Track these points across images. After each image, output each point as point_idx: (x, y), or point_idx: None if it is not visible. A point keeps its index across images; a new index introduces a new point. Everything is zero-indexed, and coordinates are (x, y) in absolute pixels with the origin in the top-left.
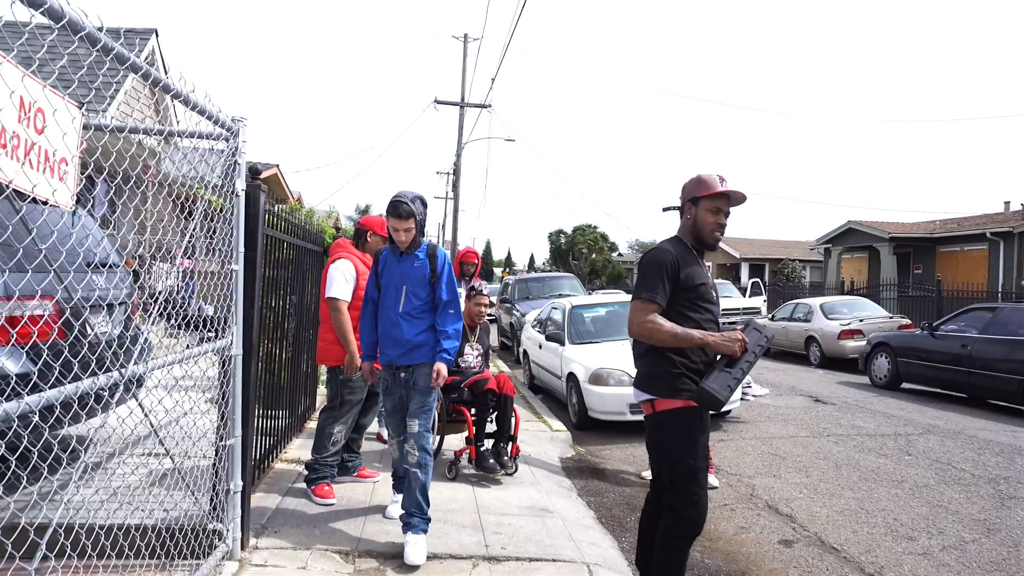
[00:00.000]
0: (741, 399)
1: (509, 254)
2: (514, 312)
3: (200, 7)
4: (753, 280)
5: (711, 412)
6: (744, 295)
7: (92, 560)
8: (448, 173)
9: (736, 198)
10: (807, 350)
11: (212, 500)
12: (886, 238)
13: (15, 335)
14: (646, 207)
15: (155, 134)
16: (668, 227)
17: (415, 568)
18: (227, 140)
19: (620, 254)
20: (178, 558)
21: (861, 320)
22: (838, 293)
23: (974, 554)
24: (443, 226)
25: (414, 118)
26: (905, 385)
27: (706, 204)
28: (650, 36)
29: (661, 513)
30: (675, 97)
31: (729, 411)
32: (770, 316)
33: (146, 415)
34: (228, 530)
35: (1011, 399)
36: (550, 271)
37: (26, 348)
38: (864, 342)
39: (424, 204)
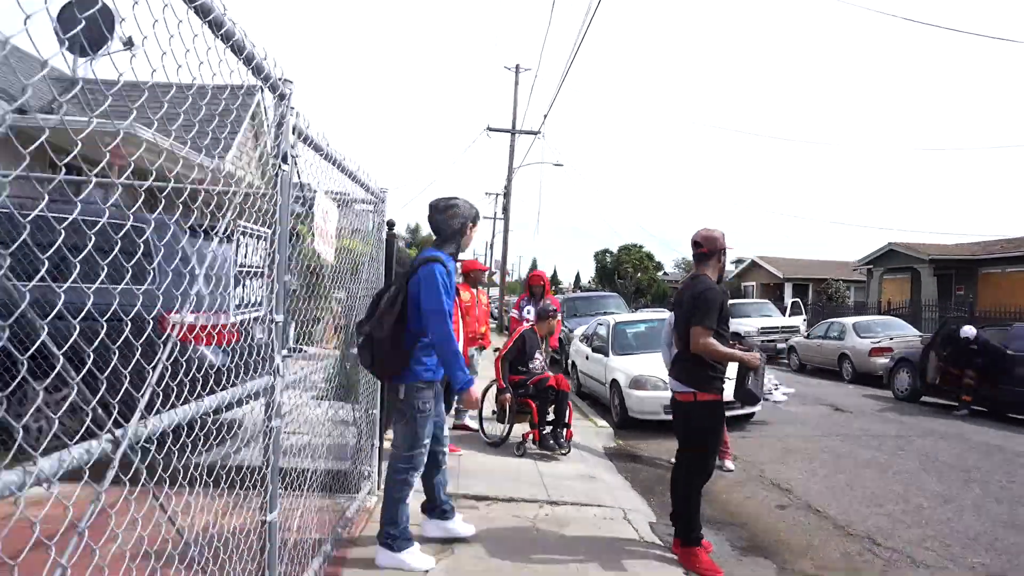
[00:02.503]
0: (764, 401)
1: (555, 273)
2: (563, 328)
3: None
4: (793, 300)
5: (736, 414)
6: (784, 314)
7: (289, 491)
8: (497, 195)
9: None
10: (840, 366)
11: (359, 453)
12: (926, 260)
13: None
14: (691, 227)
15: (343, 200)
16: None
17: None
18: (375, 205)
19: (665, 273)
20: (341, 493)
21: (891, 339)
22: (876, 313)
23: (926, 515)
24: (491, 245)
25: (466, 145)
26: (925, 399)
27: (723, 256)
28: (699, 69)
29: (684, 470)
30: (725, 131)
31: (753, 414)
32: (806, 335)
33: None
34: (371, 471)
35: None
36: (596, 290)
37: (223, 348)
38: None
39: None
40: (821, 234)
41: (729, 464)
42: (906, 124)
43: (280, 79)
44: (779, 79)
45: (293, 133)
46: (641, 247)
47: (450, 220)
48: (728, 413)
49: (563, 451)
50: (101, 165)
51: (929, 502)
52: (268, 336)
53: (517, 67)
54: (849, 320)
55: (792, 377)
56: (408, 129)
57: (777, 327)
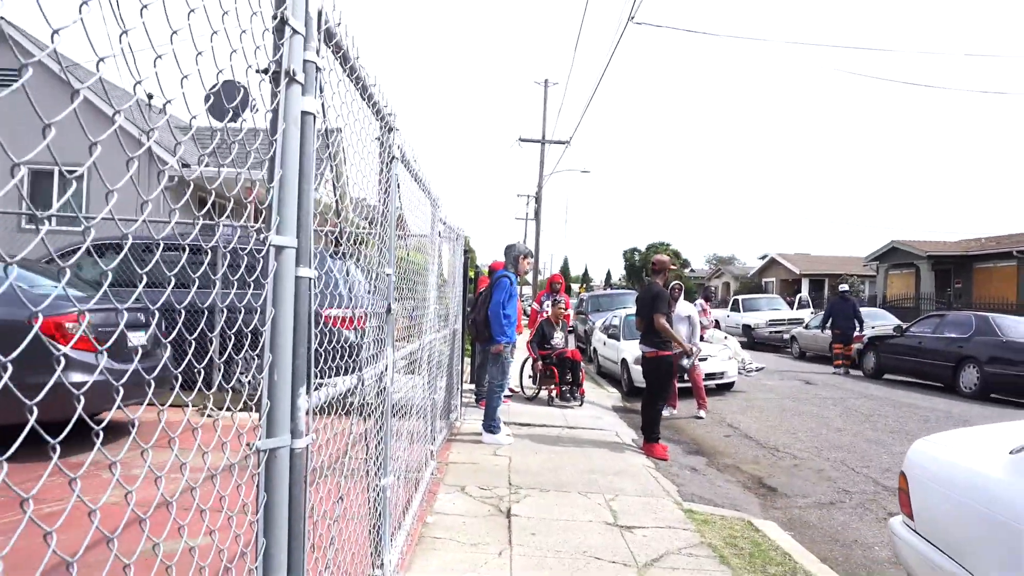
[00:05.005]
0: (739, 374)
1: (586, 270)
2: (588, 321)
3: None
4: (800, 295)
5: (720, 383)
6: (792, 308)
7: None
8: (529, 196)
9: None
10: (831, 352)
11: (451, 398)
12: (924, 256)
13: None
14: (719, 224)
15: (437, 238)
16: (744, 246)
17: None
18: (457, 239)
19: (692, 270)
20: (441, 419)
21: (873, 327)
22: (879, 307)
23: (819, 437)
24: (524, 243)
25: (499, 155)
26: (887, 376)
27: (667, 272)
28: (721, 74)
29: (647, 397)
30: (746, 137)
31: (732, 383)
32: (804, 325)
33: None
34: (456, 404)
35: (945, 380)
36: (625, 287)
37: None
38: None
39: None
40: (840, 231)
41: (702, 413)
42: (919, 123)
43: (391, 113)
44: (797, 90)
45: (400, 162)
46: (668, 244)
47: (509, 254)
48: (711, 383)
49: (577, 403)
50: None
51: (827, 431)
52: (384, 320)
53: (546, 82)
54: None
55: (791, 363)
56: (443, 138)
57: (784, 319)
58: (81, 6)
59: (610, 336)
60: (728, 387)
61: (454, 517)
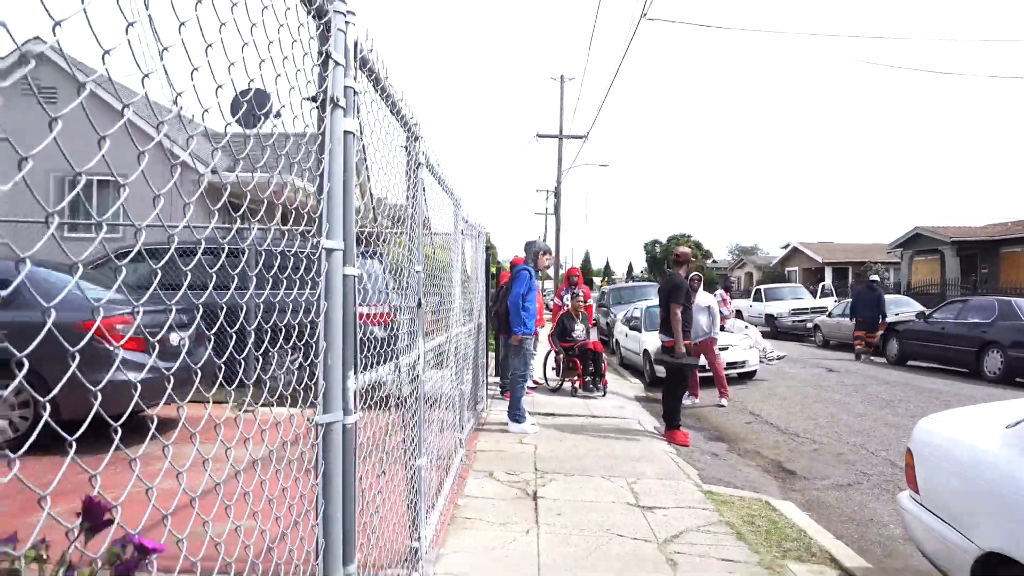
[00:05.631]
0: (760, 362)
1: (608, 263)
2: (610, 313)
3: None
4: (823, 283)
5: (741, 372)
6: (815, 296)
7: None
8: (548, 191)
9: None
10: (854, 340)
11: (477, 390)
12: (948, 242)
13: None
14: (741, 214)
15: (460, 236)
16: (764, 238)
17: (530, 433)
18: (478, 236)
19: (715, 261)
20: (468, 409)
21: (897, 314)
22: (903, 294)
23: (839, 422)
24: (544, 240)
25: (518, 150)
26: (910, 362)
27: (689, 264)
28: (740, 64)
29: (667, 386)
30: (766, 127)
31: (754, 372)
32: (827, 313)
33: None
34: (483, 396)
35: (969, 365)
36: (647, 279)
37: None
38: None
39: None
40: (863, 219)
41: (724, 401)
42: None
43: (416, 123)
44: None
45: (425, 167)
46: (690, 236)
47: (529, 250)
48: (732, 372)
49: (600, 393)
50: (266, 205)
51: (847, 417)
52: (415, 315)
53: (562, 77)
54: None
55: (814, 351)
56: (461, 134)
57: (807, 308)
58: (163, 52)
59: (632, 328)
60: (750, 376)
61: (483, 500)
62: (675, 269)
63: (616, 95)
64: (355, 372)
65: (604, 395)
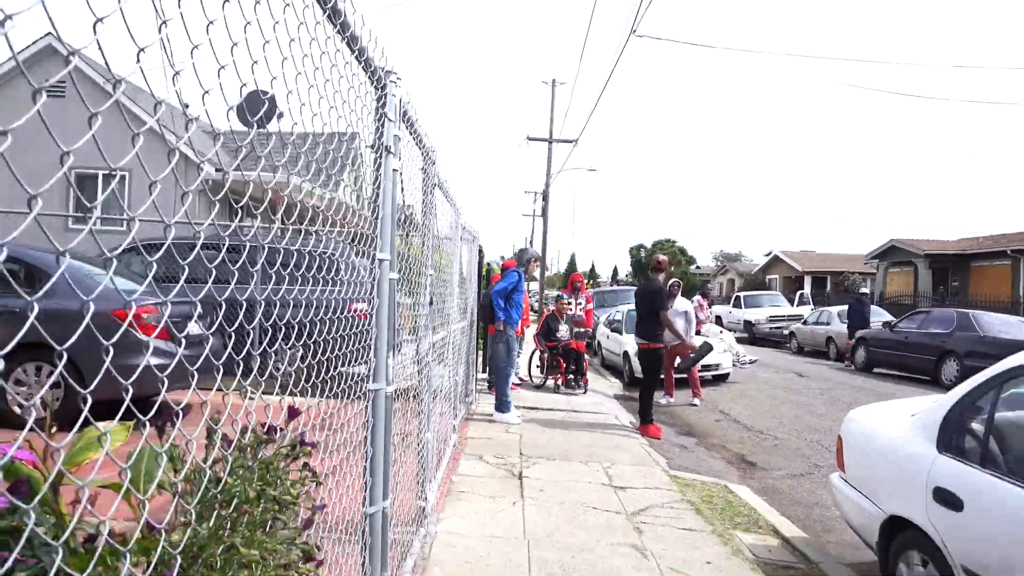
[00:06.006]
0: (733, 366)
1: (593, 267)
2: (593, 315)
3: None
4: (800, 292)
5: (715, 375)
6: (793, 304)
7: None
8: (536, 193)
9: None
10: (827, 347)
11: (467, 383)
12: (921, 255)
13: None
14: (726, 221)
15: (459, 241)
16: (750, 244)
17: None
18: (473, 240)
19: (698, 267)
20: (460, 401)
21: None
22: (877, 303)
23: (801, 421)
24: (530, 241)
25: (507, 152)
26: (876, 369)
27: (669, 269)
28: (725, 76)
29: (643, 384)
30: (751, 137)
31: (727, 374)
32: (802, 321)
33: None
34: (472, 389)
35: (929, 373)
36: (631, 283)
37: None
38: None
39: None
40: (844, 229)
41: (696, 401)
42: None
43: (434, 150)
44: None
45: (438, 187)
46: (674, 242)
47: (522, 256)
48: (707, 374)
49: (581, 390)
50: (266, 204)
51: (809, 417)
52: (428, 311)
53: (553, 82)
54: (835, 308)
55: (788, 357)
56: (453, 135)
57: (784, 315)
58: (240, 98)
59: (613, 330)
60: (724, 378)
61: (475, 478)
62: (654, 275)
63: (606, 102)
64: (392, 353)
65: (585, 392)
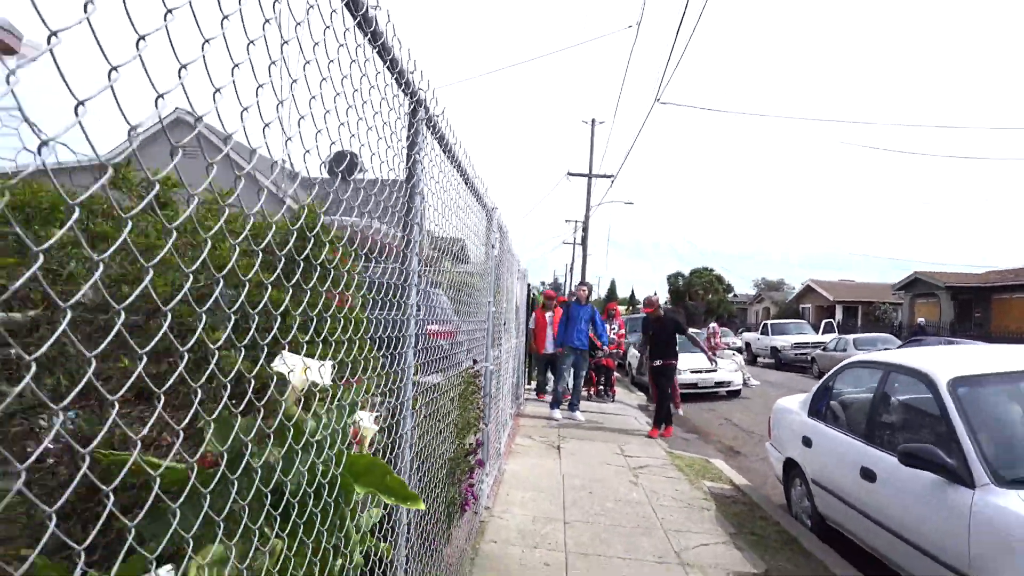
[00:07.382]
0: (743, 385)
1: (632, 293)
2: (624, 339)
3: None
4: (827, 320)
5: (729, 390)
6: (817, 332)
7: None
8: (576, 222)
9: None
10: None
11: (518, 388)
12: (943, 287)
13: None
14: (759, 250)
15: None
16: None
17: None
18: (523, 276)
19: (735, 295)
20: (514, 399)
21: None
22: (903, 334)
23: None
24: (571, 269)
25: (550, 187)
26: None
27: (664, 305)
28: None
29: (658, 396)
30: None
31: (739, 391)
32: (823, 348)
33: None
34: (521, 393)
35: None
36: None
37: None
38: None
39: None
40: (880, 260)
41: (680, 411)
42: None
43: (493, 207)
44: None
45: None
46: (711, 270)
47: (579, 291)
48: (721, 390)
49: (610, 400)
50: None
51: None
52: (500, 329)
53: (593, 121)
54: (851, 336)
55: (808, 380)
56: (499, 172)
57: (808, 343)
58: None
59: (642, 352)
60: (736, 394)
61: (526, 447)
62: (660, 309)
63: (641, 142)
64: (494, 346)
65: (613, 402)
